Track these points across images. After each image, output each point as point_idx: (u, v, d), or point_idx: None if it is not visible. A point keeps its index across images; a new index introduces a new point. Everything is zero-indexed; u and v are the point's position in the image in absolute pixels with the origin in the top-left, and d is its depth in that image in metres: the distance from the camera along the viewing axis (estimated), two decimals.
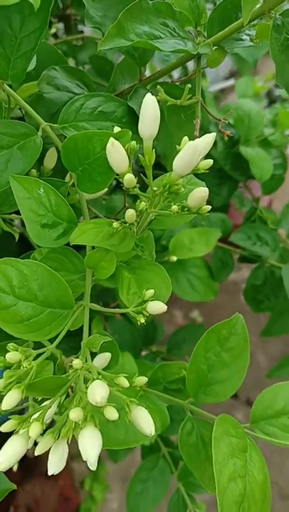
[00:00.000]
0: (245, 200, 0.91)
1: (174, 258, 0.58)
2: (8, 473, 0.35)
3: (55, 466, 0.26)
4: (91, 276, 0.31)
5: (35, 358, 0.27)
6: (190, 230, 0.61)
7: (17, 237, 0.43)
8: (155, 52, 0.41)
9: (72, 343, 0.40)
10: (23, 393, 0.25)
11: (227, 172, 0.72)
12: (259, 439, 0.32)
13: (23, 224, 0.46)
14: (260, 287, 0.67)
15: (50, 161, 0.39)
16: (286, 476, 1.32)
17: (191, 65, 0.77)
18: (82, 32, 1.02)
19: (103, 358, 0.33)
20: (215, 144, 0.72)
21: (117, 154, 0.26)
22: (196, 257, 0.65)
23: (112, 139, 0.26)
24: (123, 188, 0.29)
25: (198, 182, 0.33)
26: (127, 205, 0.49)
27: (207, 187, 0.73)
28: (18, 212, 0.43)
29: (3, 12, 0.31)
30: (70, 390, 0.29)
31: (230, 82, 2.10)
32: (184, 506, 0.57)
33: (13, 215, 0.42)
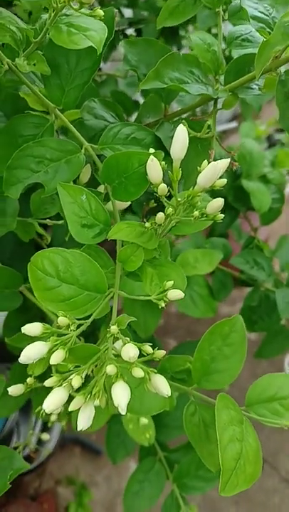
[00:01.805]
0: (242, 233, 0.99)
1: None
2: None
3: (83, 423, 0.31)
4: (120, 269, 0.37)
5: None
6: (195, 250, 0.67)
7: (49, 239, 0.49)
8: (175, 96, 0.49)
9: None
10: (66, 353, 0.30)
11: (229, 203, 0.80)
12: (253, 419, 0.38)
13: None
14: (255, 308, 0.73)
15: (85, 175, 0.45)
16: None
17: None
18: (100, 69, 1.13)
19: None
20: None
21: (154, 168, 0.33)
22: (198, 276, 0.71)
23: (152, 156, 0.33)
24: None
25: (210, 199, 0.40)
26: (145, 220, 0.56)
27: None
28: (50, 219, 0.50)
29: (62, 52, 0.39)
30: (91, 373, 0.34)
31: (233, 124, 2.23)
32: (177, 507, 0.61)
33: (47, 220, 0.49)
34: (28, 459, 1.28)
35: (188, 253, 0.66)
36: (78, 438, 1.42)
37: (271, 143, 1.73)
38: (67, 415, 0.61)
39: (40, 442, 1.19)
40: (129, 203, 0.47)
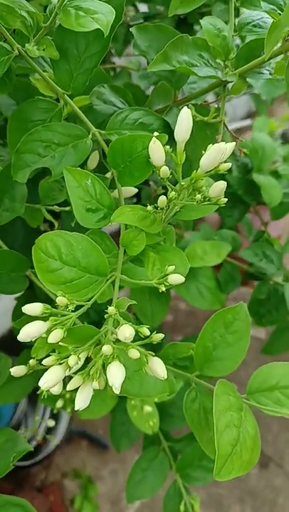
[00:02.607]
0: (253, 229, 0.98)
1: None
2: None
3: (80, 403, 0.32)
4: (123, 253, 0.37)
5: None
6: (203, 242, 0.67)
7: (56, 225, 0.50)
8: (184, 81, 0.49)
9: None
10: (64, 333, 0.31)
11: (240, 196, 0.79)
12: (253, 407, 0.38)
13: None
14: (263, 302, 0.72)
15: (93, 162, 0.46)
16: None
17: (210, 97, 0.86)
18: (113, 63, 1.13)
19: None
20: (230, 170, 0.80)
21: (157, 150, 0.33)
22: (206, 269, 0.71)
23: (154, 138, 0.33)
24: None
25: None
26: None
27: (221, 209, 0.79)
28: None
29: (71, 37, 0.39)
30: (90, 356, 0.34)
31: (247, 122, 2.22)
32: (179, 497, 0.61)
33: (55, 206, 0.49)
34: (35, 451, 1.29)
35: (196, 244, 0.66)
36: (85, 432, 1.43)
37: (285, 140, 1.71)
38: (72, 403, 0.62)
39: (48, 432, 1.20)
40: (136, 190, 0.47)
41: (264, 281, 0.74)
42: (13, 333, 0.66)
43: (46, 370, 0.46)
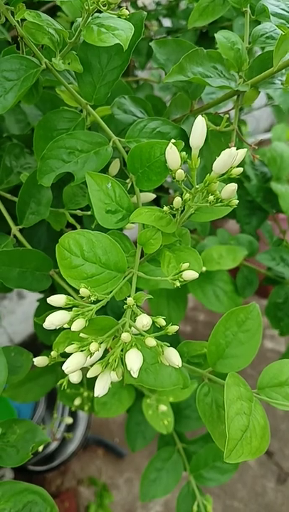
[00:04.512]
0: (275, 237, 0.99)
1: (204, 268, 0.66)
2: None
3: (99, 390, 0.34)
4: (140, 252, 0.40)
5: None
6: (219, 247, 0.69)
7: (78, 228, 0.52)
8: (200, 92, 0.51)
9: None
10: (86, 322, 0.33)
11: (258, 204, 0.81)
12: (263, 401, 0.39)
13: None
14: (280, 305, 0.74)
15: (114, 169, 0.48)
16: None
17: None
18: (137, 76, 1.17)
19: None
20: (249, 178, 0.82)
21: (173, 154, 0.36)
22: (223, 273, 0.73)
23: (170, 144, 0.36)
24: None
25: None
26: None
27: (239, 216, 0.80)
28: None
29: (94, 51, 0.42)
30: (109, 348, 0.37)
31: (270, 134, 2.23)
32: (192, 497, 0.62)
33: (77, 211, 0.52)
34: (51, 457, 1.30)
35: (212, 249, 0.68)
36: (102, 440, 1.44)
37: None
38: (89, 402, 0.64)
39: (64, 441, 1.22)
40: (153, 196, 0.49)
41: (282, 284, 0.75)
42: (33, 338, 0.68)
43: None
